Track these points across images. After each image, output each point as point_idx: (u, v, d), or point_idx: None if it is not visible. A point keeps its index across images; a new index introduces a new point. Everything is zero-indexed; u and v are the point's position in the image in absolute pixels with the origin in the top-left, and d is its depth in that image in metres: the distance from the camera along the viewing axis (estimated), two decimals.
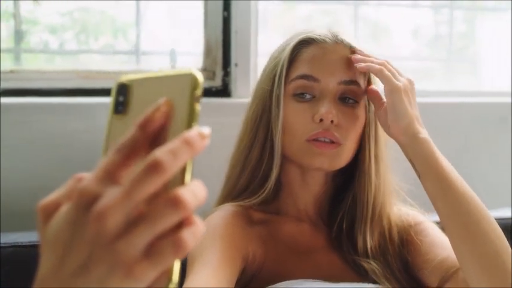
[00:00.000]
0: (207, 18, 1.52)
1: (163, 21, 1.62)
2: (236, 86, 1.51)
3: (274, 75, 1.03)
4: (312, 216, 1.09)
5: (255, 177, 1.05)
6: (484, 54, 1.92)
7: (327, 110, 0.97)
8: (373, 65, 0.99)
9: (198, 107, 0.45)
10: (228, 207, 1.04)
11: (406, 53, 1.89)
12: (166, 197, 0.42)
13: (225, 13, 1.50)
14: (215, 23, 1.52)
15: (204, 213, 1.07)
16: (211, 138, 1.36)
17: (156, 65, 1.61)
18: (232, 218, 1.01)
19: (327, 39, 1.03)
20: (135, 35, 1.59)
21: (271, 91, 1.02)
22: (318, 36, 1.03)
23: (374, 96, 1.03)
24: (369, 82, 1.04)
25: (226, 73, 1.53)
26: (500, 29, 1.85)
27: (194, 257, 0.95)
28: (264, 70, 1.08)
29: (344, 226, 1.06)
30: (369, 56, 1.02)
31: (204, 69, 1.53)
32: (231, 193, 1.08)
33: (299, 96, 1.01)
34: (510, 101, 1.70)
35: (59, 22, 1.60)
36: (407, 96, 0.97)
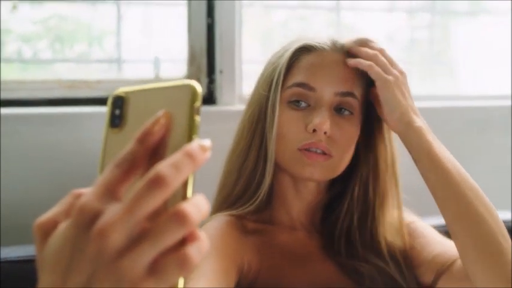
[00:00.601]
0: (190, 25, 1.51)
1: (146, 29, 1.59)
2: (221, 93, 1.50)
3: (271, 81, 1.01)
4: (306, 225, 1.07)
5: (251, 185, 1.03)
6: (460, 58, 1.95)
7: (320, 120, 0.96)
8: (362, 61, 0.98)
9: (198, 118, 0.44)
10: (222, 218, 1.03)
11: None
12: (170, 212, 0.41)
13: (209, 19, 1.49)
14: (199, 30, 1.50)
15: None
16: None
17: (139, 73, 1.58)
18: (227, 229, 1.00)
19: (326, 47, 1.01)
20: (116, 43, 1.56)
21: (268, 97, 1.00)
22: (317, 44, 1.00)
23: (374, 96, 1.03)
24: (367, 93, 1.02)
25: (211, 80, 1.51)
26: (476, 32, 1.89)
27: None
28: (262, 75, 1.06)
29: (340, 234, 1.06)
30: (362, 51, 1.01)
31: (188, 77, 1.51)
32: (226, 201, 1.06)
33: (294, 103, 0.99)
34: (491, 104, 1.73)
35: (33, 30, 1.55)
36: (398, 89, 0.97)
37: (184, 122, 0.44)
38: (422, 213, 1.27)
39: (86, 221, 0.41)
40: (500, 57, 1.88)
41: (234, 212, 1.03)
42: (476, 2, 1.95)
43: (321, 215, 1.09)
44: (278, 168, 1.03)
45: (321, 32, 1.08)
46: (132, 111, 0.48)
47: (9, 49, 1.54)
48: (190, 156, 0.42)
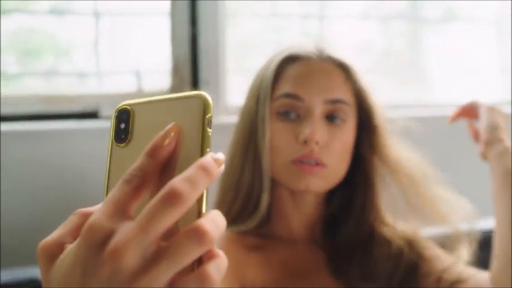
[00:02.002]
0: (174, 36, 1.47)
1: (128, 40, 1.54)
2: None
3: (259, 94, 0.99)
4: (306, 238, 1.06)
5: (249, 201, 1.01)
6: (434, 66, 1.97)
7: (310, 131, 0.94)
8: None
9: (210, 130, 0.43)
10: (223, 235, 1.00)
11: (356, 66, 1.90)
12: (187, 229, 0.39)
13: (193, 30, 1.46)
14: (182, 40, 1.47)
15: None
16: None
17: (120, 86, 1.53)
18: (228, 247, 0.98)
19: (313, 55, 0.99)
20: (95, 55, 1.50)
21: (257, 110, 0.98)
22: (303, 53, 0.99)
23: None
24: (359, 98, 1.01)
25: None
26: (448, 40, 1.91)
27: None
28: (250, 88, 1.04)
29: (341, 248, 1.04)
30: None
31: (172, 88, 1.47)
32: (226, 218, 1.03)
33: (283, 115, 0.97)
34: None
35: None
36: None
37: (196, 134, 0.42)
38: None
39: (98, 241, 0.39)
40: (473, 64, 1.91)
41: (234, 229, 1.01)
42: (448, 9, 1.97)
43: (322, 228, 1.07)
44: (274, 181, 1.01)
45: (305, 40, 1.06)
46: (138, 125, 0.46)
47: None
48: (205, 170, 0.40)
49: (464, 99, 1.82)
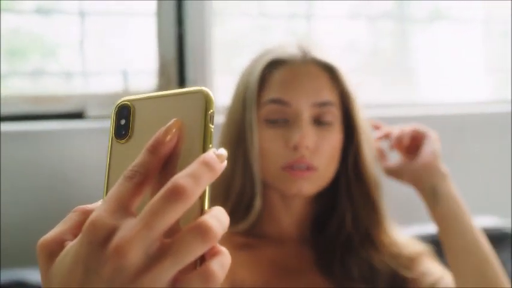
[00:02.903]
0: (160, 35, 1.47)
1: (114, 39, 1.53)
2: None
3: (245, 100, 0.99)
4: (296, 237, 1.06)
5: (239, 206, 1.01)
6: (421, 66, 1.98)
7: (300, 136, 0.94)
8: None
9: (213, 126, 0.43)
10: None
11: (343, 66, 1.90)
12: (191, 226, 0.38)
13: (180, 29, 1.45)
14: (169, 40, 1.46)
15: None
16: None
17: (106, 86, 1.52)
18: None
19: (297, 59, 0.99)
20: (80, 55, 1.50)
21: (244, 116, 0.98)
22: (287, 56, 0.99)
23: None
24: (343, 99, 1.01)
25: None
26: (435, 39, 1.92)
27: None
28: (235, 93, 1.03)
29: (330, 248, 1.04)
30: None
31: (158, 88, 1.47)
32: None
33: (271, 121, 0.97)
34: (465, 112, 1.75)
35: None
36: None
37: (198, 130, 0.42)
38: (407, 221, 1.28)
39: (100, 238, 0.38)
40: (460, 64, 1.92)
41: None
42: (435, 9, 1.98)
43: (311, 226, 1.07)
44: (265, 184, 1.01)
45: (289, 41, 1.05)
46: (139, 121, 0.46)
47: None
48: (208, 165, 0.40)
49: (452, 98, 1.84)
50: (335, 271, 1.01)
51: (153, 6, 1.47)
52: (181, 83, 1.47)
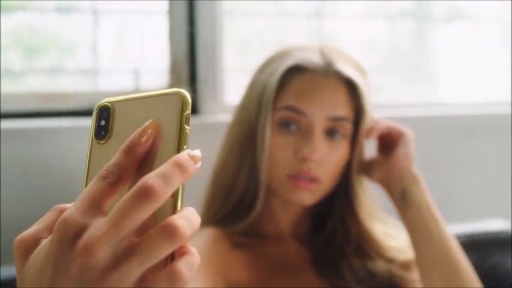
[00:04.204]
0: (172, 34, 1.47)
1: (126, 38, 1.55)
2: (205, 103, 1.46)
3: (261, 102, 0.97)
4: (294, 237, 1.06)
5: (240, 206, 1.01)
6: (440, 65, 1.95)
7: (311, 150, 0.94)
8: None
9: (188, 128, 0.43)
10: (208, 232, 1.00)
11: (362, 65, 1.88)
12: (159, 226, 0.39)
13: (191, 28, 1.46)
14: (180, 39, 1.47)
15: None
16: None
17: (117, 84, 1.53)
18: (213, 244, 0.98)
19: (319, 69, 0.97)
20: (92, 54, 1.51)
21: (258, 117, 0.97)
22: (309, 65, 0.97)
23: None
24: (357, 115, 0.99)
25: (193, 90, 1.48)
26: (455, 39, 1.89)
27: None
28: (250, 92, 1.02)
29: (324, 251, 1.04)
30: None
31: (170, 87, 1.47)
32: (213, 219, 1.04)
33: (284, 126, 0.97)
34: (476, 113, 1.72)
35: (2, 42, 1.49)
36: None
37: (174, 131, 0.43)
38: None
39: (69, 236, 0.39)
40: (480, 63, 1.88)
41: (222, 227, 1.01)
42: (454, 8, 1.95)
43: (309, 226, 1.06)
44: (268, 187, 1.01)
45: (310, 42, 1.03)
46: (118, 122, 0.46)
47: None
48: (180, 166, 0.40)
49: (471, 98, 1.81)
50: (329, 273, 1.01)
51: (165, 5, 1.47)
52: (193, 81, 1.47)
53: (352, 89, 0.97)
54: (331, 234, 1.04)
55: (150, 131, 0.43)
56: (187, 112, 0.43)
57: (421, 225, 0.96)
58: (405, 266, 1.02)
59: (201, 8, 1.45)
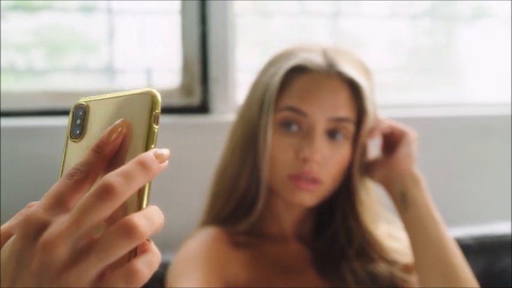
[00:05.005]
0: (184, 34, 1.48)
1: (139, 38, 1.57)
2: (216, 102, 1.47)
3: (263, 102, 0.97)
4: (296, 237, 1.06)
5: (241, 206, 1.02)
6: (465, 65, 1.92)
7: (311, 151, 0.94)
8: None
9: (157, 127, 0.43)
10: (209, 231, 1.01)
11: (385, 65, 1.86)
12: (118, 224, 0.39)
13: (203, 28, 1.47)
14: (192, 38, 1.48)
15: (186, 235, 1.05)
16: (190, 156, 1.31)
17: (132, 83, 1.55)
18: (213, 243, 0.99)
19: (321, 70, 0.96)
20: (108, 53, 1.53)
21: (260, 118, 0.97)
22: (312, 65, 0.97)
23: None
24: (359, 116, 0.99)
25: (205, 89, 1.49)
26: (480, 38, 1.85)
27: (173, 283, 0.93)
28: (253, 92, 1.02)
29: (325, 252, 1.04)
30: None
31: (182, 86, 1.49)
32: (215, 219, 1.04)
33: (285, 126, 0.97)
34: (497, 112, 1.69)
35: (25, 40, 1.53)
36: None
37: (143, 130, 0.43)
38: None
39: (31, 233, 0.39)
40: (504, 62, 1.85)
41: (224, 227, 1.02)
42: (478, 6, 1.92)
43: (311, 226, 1.06)
44: (269, 187, 1.01)
45: (314, 43, 1.03)
46: (92, 121, 0.47)
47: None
48: (143, 165, 0.40)
49: (497, 98, 1.78)
50: (330, 274, 1.01)
51: (177, 5, 1.49)
52: (205, 80, 1.48)
53: (354, 90, 0.97)
54: (334, 235, 1.03)
55: (119, 130, 0.43)
56: (157, 111, 0.43)
57: (419, 226, 0.96)
58: (407, 268, 1.01)
59: (213, 8, 1.45)
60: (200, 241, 0.98)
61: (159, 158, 0.42)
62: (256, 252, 1.01)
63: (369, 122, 0.99)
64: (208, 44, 1.47)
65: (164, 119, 1.44)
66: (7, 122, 1.33)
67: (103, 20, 1.50)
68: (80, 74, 1.57)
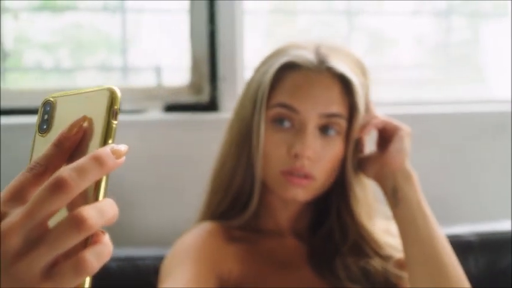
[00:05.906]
0: (192, 32, 1.51)
1: (150, 36, 1.60)
2: (224, 100, 1.49)
3: (255, 99, 0.99)
4: (292, 232, 1.07)
5: (237, 203, 1.03)
6: (489, 61, 1.89)
7: (303, 147, 0.94)
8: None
9: (115, 122, 0.44)
10: (205, 226, 1.03)
11: (408, 62, 1.85)
12: (68, 216, 0.40)
13: (211, 26, 1.49)
14: (201, 37, 1.50)
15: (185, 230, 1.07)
16: (199, 153, 1.33)
17: (142, 81, 1.59)
18: (207, 237, 1.00)
19: (312, 66, 0.97)
20: (120, 51, 1.57)
21: (253, 116, 0.99)
22: (302, 62, 0.97)
23: None
24: (351, 112, 0.99)
25: (214, 87, 1.51)
26: (503, 34, 1.83)
27: (164, 277, 0.95)
28: (247, 90, 1.04)
29: (320, 248, 1.04)
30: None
31: (191, 84, 1.51)
32: (212, 215, 1.06)
33: (278, 123, 0.98)
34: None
35: (51, 39, 1.57)
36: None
37: (102, 126, 0.44)
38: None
39: None
40: None
41: (223, 222, 1.03)
42: (501, 4, 1.89)
43: (308, 221, 1.07)
44: (264, 183, 1.02)
45: (307, 40, 1.04)
46: (57, 116, 0.49)
47: (27, 58, 1.57)
48: (97, 160, 0.42)
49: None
50: (323, 271, 1.01)
51: (186, 4, 1.51)
52: (213, 79, 1.50)
53: (346, 86, 0.97)
54: (329, 231, 1.04)
55: (79, 125, 0.45)
56: (116, 107, 0.45)
57: (409, 223, 0.95)
58: (401, 264, 1.02)
59: (221, 7, 1.47)
60: (194, 235, 1.00)
61: (116, 153, 0.43)
62: (251, 247, 1.02)
63: (361, 117, 0.99)
64: (216, 43, 1.49)
65: (174, 116, 1.47)
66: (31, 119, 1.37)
67: (117, 20, 1.54)
68: (103, 72, 1.60)
